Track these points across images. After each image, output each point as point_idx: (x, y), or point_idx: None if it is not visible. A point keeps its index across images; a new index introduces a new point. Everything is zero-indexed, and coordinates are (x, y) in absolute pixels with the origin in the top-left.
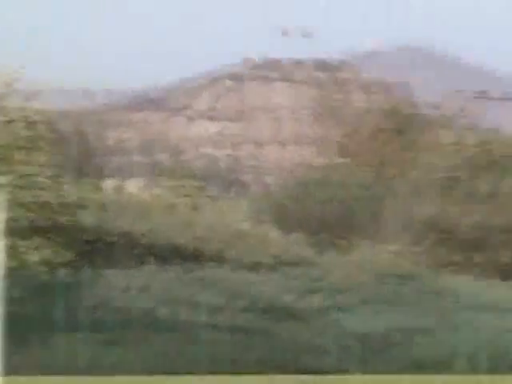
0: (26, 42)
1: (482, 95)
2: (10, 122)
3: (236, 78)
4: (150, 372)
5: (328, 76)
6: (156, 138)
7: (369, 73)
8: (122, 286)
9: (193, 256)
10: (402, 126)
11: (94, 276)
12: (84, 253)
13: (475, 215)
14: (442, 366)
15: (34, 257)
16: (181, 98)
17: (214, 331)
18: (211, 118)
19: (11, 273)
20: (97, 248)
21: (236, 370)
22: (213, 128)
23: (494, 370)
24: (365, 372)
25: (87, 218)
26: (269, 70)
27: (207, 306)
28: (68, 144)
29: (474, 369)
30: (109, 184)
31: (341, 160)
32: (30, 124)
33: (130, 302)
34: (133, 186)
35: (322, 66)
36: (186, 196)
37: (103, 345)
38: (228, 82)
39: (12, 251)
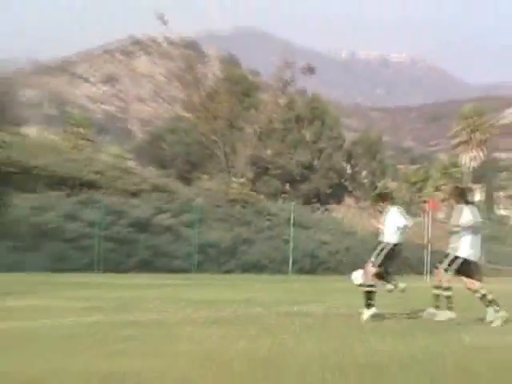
0: None
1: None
2: None
3: (121, 51)
4: (48, 269)
5: (181, 51)
6: (54, 96)
7: (217, 49)
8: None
9: (74, 184)
10: (242, 90)
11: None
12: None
13: (302, 157)
14: (265, 267)
15: None
16: (77, 65)
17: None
18: (92, 83)
19: None
20: (5, 177)
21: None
22: (92, 89)
23: (312, 271)
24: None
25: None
26: (136, 47)
27: (88, 220)
28: None
29: (299, 270)
30: (13, 130)
31: (185, 114)
32: None
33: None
34: (33, 132)
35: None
36: (68, 140)
37: (17, 251)
38: (117, 55)
39: None
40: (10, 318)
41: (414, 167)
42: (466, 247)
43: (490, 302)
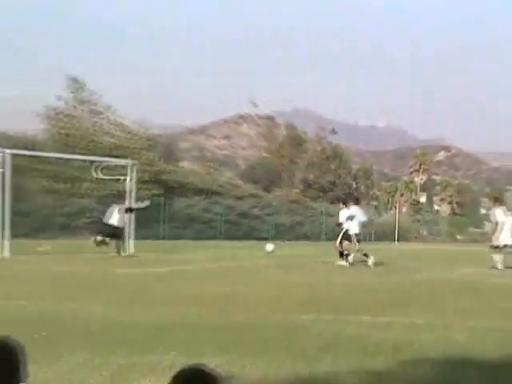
0: None
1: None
2: (132, 138)
3: (234, 122)
4: (193, 238)
5: (265, 122)
6: (197, 146)
7: (283, 120)
8: None
9: (210, 193)
10: (297, 142)
11: (171, 200)
12: (165, 191)
13: (329, 178)
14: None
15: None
16: (209, 128)
17: None
18: (217, 138)
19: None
20: (171, 188)
21: (232, 238)
22: (219, 142)
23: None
24: None
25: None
26: (242, 119)
27: (215, 211)
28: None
29: (328, 238)
30: (179, 164)
31: (267, 155)
32: (141, 139)
33: None
34: (186, 164)
35: (261, 116)
36: (207, 168)
37: (177, 229)
38: (231, 124)
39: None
40: (175, 264)
41: (389, 183)
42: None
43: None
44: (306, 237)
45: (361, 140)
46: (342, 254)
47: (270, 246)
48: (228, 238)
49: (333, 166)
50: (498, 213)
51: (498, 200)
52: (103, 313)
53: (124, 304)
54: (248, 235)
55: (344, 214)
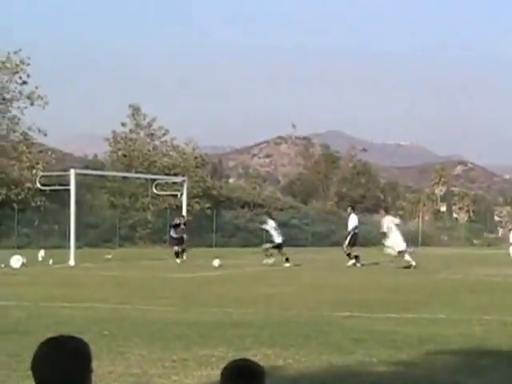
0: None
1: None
2: (186, 158)
3: (275, 143)
4: (236, 245)
5: (302, 141)
6: (240, 164)
7: (316, 140)
8: None
9: (256, 206)
10: (331, 161)
11: (219, 212)
12: (214, 204)
13: (360, 191)
14: None
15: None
16: (253, 150)
17: None
18: (261, 157)
19: (188, 212)
20: (220, 202)
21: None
22: (262, 161)
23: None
24: None
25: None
26: (282, 140)
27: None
28: (214, 166)
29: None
30: (229, 180)
31: (304, 171)
32: (195, 158)
33: None
34: (232, 181)
35: (300, 138)
36: (251, 183)
37: (224, 237)
38: (272, 144)
39: (188, 204)
40: (224, 268)
41: (413, 195)
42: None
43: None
44: (339, 244)
45: (388, 157)
46: (351, 256)
47: (216, 262)
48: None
49: (363, 181)
50: None
51: None
52: (161, 313)
53: (179, 305)
54: (288, 243)
55: (386, 222)
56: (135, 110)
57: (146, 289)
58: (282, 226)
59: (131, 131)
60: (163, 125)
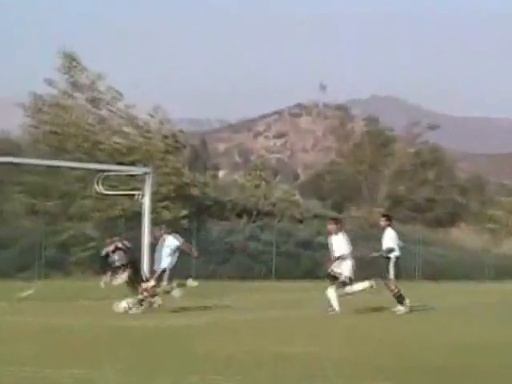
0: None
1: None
2: (151, 138)
3: (291, 114)
4: (236, 277)
5: (335, 113)
6: (239, 148)
7: (356, 111)
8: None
9: (254, 213)
10: (380, 141)
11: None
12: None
13: (426, 192)
14: None
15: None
16: (256, 125)
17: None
18: (267, 137)
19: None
20: (204, 208)
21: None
22: (269, 142)
23: (434, 277)
24: None
25: (196, 192)
26: (298, 109)
27: (264, 240)
28: (194, 150)
29: (424, 276)
30: (208, 173)
31: (338, 160)
32: (164, 138)
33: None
34: (222, 174)
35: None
36: (251, 180)
37: (212, 263)
38: (287, 117)
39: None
40: (212, 312)
41: (510, 198)
42: None
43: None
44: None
45: (471, 139)
46: (399, 294)
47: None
48: (283, 277)
49: (431, 176)
50: None
51: None
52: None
53: (135, 374)
54: (310, 273)
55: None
56: (70, 61)
57: (89, 345)
58: (302, 246)
59: (64, 94)
60: (114, 85)
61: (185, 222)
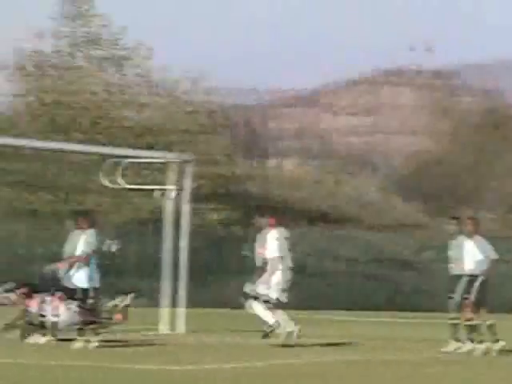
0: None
1: None
2: (194, 112)
3: (370, 82)
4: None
5: (442, 82)
6: (307, 127)
7: (472, 80)
8: None
9: (334, 219)
10: (498, 122)
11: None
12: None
13: None
14: None
15: (212, 216)
16: (327, 97)
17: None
18: (351, 114)
19: (195, 229)
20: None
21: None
22: (352, 121)
23: None
24: None
25: (253, 188)
26: (396, 77)
27: (345, 257)
28: (238, 131)
29: None
30: (271, 163)
31: (450, 147)
32: (210, 113)
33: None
34: (289, 165)
35: (438, 74)
36: (329, 173)
37: None
38: (364, 86)
39: (195, 212)
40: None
41: None
42: None
43: None
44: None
45: None
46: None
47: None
48: (364, 306)
49: None
50: None
51: None
52: None
53: None
54: (407, 304)
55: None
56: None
57: None
58: (396, 265)
59: (65, 53)
60: (137, 37)
61: (236, 228)
